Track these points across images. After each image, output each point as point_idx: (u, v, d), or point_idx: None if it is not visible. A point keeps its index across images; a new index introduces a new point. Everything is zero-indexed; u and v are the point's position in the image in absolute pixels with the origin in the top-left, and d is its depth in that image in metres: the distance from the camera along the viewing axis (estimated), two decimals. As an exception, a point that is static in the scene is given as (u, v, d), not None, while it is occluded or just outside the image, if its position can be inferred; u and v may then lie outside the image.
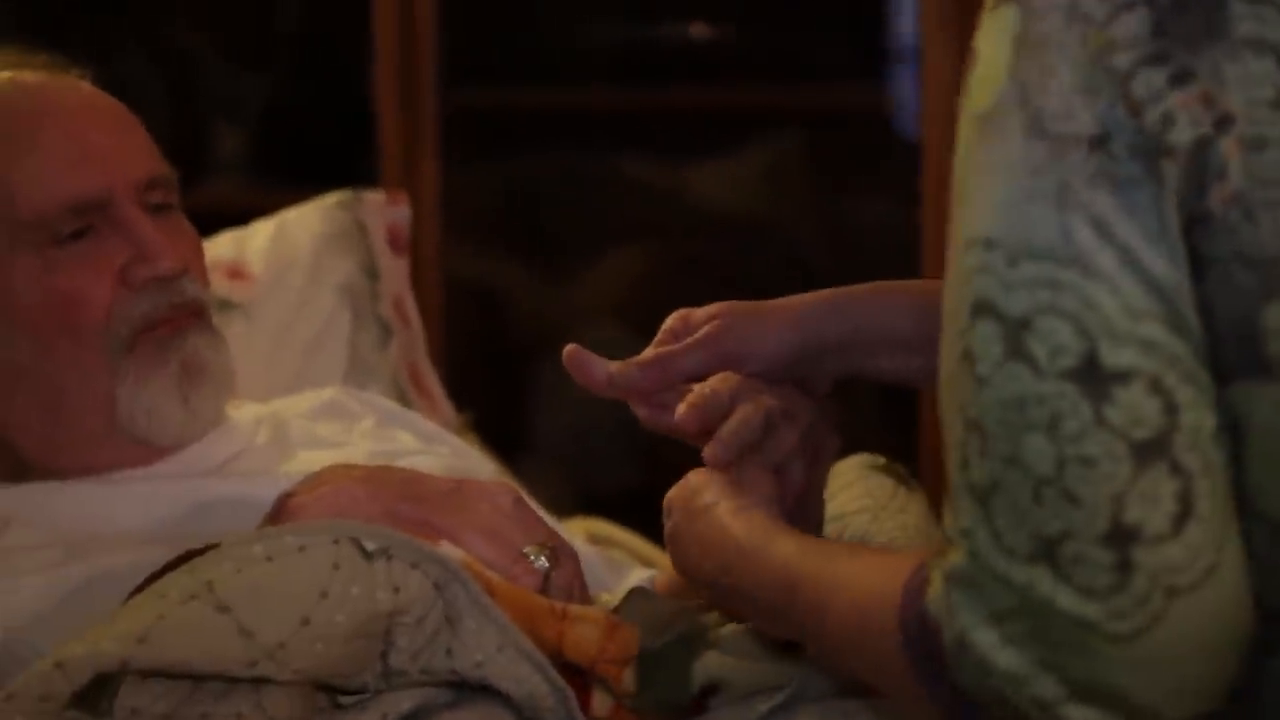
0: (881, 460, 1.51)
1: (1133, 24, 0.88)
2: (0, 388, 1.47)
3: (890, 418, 2.67)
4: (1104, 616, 0.86)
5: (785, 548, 1.06)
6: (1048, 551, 0.87)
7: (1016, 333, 0.88)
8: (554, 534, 1.29)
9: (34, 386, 1.46)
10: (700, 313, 1.26)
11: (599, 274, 2.85)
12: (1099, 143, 0.88)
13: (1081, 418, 0.86)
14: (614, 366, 1.23)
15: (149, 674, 1.04)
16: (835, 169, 2.86)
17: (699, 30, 2.90)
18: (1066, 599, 0.87)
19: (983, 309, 0.89)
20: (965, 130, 0.92)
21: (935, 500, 1.63)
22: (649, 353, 1.24)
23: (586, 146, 2.90)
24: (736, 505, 1.12)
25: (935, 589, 0.91)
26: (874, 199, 2.82)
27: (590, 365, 1.24)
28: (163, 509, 1.44)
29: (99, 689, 1.03)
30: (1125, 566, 0.86)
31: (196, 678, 1.05)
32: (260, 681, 1.06)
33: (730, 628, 1.20)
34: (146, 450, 1.48)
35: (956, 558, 0.90)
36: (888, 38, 2.76)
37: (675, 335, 1.26)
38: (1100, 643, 0.86)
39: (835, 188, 2.87)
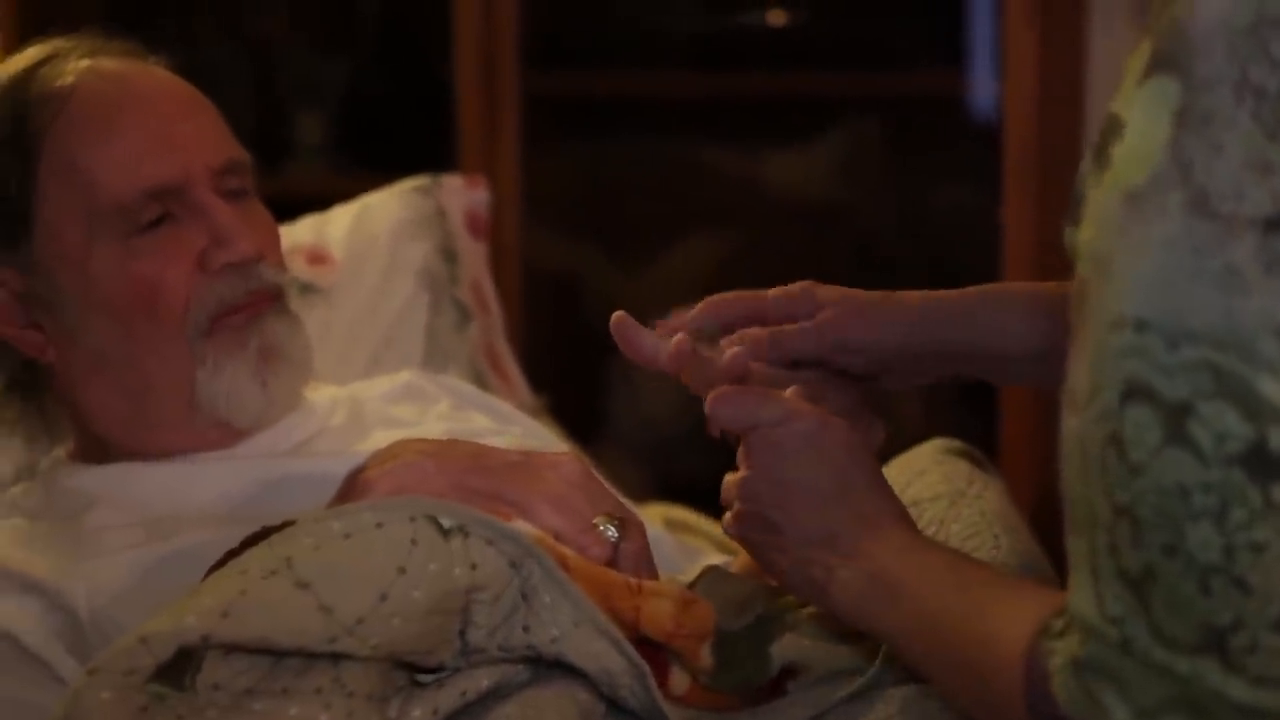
0: (958, 444, 1.50)
1: None
2: (83, 373, 1.49)
3: (970, 403, 2.65)
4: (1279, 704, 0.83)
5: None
6: (1218, 641, 0.83)
7: (1177, 418, 0.83)
8: (622, 505, 1.29)
9: (116, 371, 1.48)
10: (824, 293, 1.24)
11: (677, 260, 2.84)
12: (1274, 224, 0.82)
13: (1251, 504, 0.82)
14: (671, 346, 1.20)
15: (231, 649, 1.04)
16: (913, 155, 2.84)
17: (777, 17, 2.89)
18: (1238, 689, 0.83)
19: (1137, 393, 0.84)
20: (1109, 204, 0.86)
21: (1014, 486, 1.63)
22: (763, 331, 1.22)
23: (665, 133, 2.89)
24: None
25: (1064, 679, 0.88)
26: (952, 185, 2.81)
27: (639, 337, 1.21)
28: (242, 487, 1.45)
29: (182, 663, 1.03)
30: None
31: (277, 653, 1.05)
32: (340, 657, 1.06)
33: (809, 610, 1.20)
34: (226, 432, 1.49)
35: (1095, 647, 0.87)
36: (965, 23, 2.74)
37: (792, 303, 1.24)
38: None
39: (913, 174, 2.85)
